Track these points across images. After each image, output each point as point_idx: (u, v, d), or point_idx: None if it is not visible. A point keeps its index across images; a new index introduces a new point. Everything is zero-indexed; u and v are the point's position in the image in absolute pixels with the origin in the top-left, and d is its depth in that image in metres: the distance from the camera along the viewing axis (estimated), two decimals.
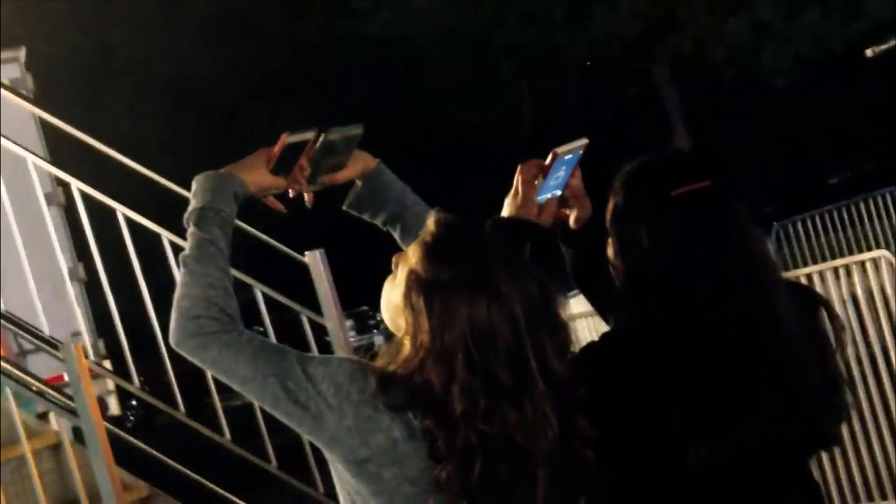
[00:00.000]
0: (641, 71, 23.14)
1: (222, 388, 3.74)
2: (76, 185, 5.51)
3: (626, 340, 2.24)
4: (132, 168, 5.56)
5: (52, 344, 5.44)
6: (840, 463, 6.11)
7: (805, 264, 11.60)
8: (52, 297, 5.84)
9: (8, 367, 5.04)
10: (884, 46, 17.84)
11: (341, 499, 2.11)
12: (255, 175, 2.29)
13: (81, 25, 24.47)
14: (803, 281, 5.98)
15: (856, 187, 14.95)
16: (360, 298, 18.24)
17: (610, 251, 2.31)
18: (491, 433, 1.96)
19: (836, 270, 6.28)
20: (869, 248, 11.75)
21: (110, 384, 9.58)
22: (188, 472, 5.37)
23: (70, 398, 4.76)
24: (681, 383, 2.14)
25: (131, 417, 16.27)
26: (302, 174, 2.34)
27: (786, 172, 24.48)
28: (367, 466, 2.02)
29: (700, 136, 23.06)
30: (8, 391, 4.89)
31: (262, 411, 4.08)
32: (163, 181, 5.50)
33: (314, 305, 5.38)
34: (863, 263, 6.31)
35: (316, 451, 3.31)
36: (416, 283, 2.03)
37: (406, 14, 21.71)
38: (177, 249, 5.09)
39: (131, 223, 5.46)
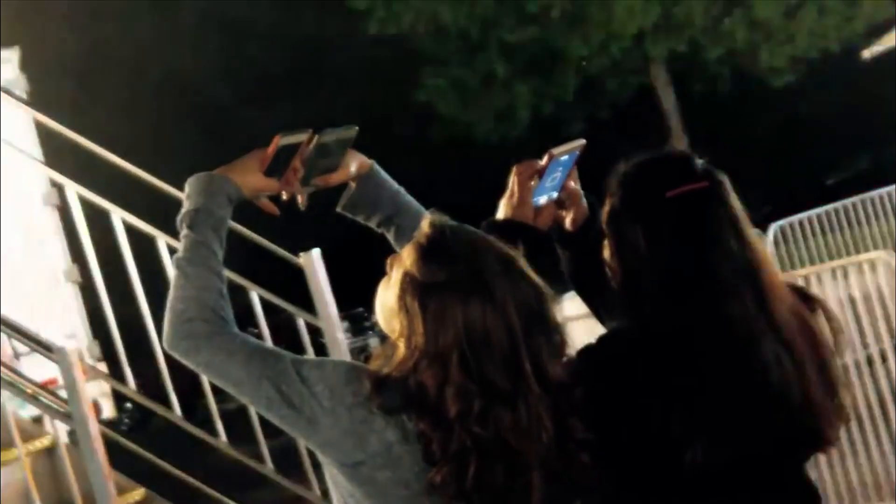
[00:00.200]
0: (638, 71, 23.14)
1: (218, 391, 3.73)
2: (71, 186, 5.50)
3: (622, 342, 2.24)
4: (127, 169, 5.55)
5: (47, 347, 5.42)
6: (837, 465, 6.10)
7: (803, 265, 11.57)
8: (46, 299, 5.83)
9: (5, 371, 5.02)
10: (881, 47, 17.85)
11: (336, 501, 2.10)
12: (249, 177, 2.27)
13: (76, 26, 24.46)
14: (801, 282, 5.97)
15: (854, 188, 14.92)
16: (355, 300, 18.21)
17: (606, 252, 2.30)
18: (485, 436, 1.96)
19: (833, 272, 6.26)
20: (867, 249, 11.73)
21: (105, 386, 9.55)
22: (183, 474, 5.36)
23: (65, 401, 4.74)
24: (677, 385, 2.14)
25: (126, 420, 16.24)
26: (295, 176, 2.33)
27: (783, 173, 24.47)
28: (361, 469, 2.01)
29: (697, 136, 23.04)
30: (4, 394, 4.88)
31: (258, 414, 4.07)
32: (158, 183, 5.49)
33: (309, 307, 5.38)
34: (860, 265, 6.29)
35: (311, 453, 3.30)
36: (410, 285, 2.02)
37: (402, 14, 21.69)
38: (172, 251, 5.07)
39: (126, 225, 5.45)
